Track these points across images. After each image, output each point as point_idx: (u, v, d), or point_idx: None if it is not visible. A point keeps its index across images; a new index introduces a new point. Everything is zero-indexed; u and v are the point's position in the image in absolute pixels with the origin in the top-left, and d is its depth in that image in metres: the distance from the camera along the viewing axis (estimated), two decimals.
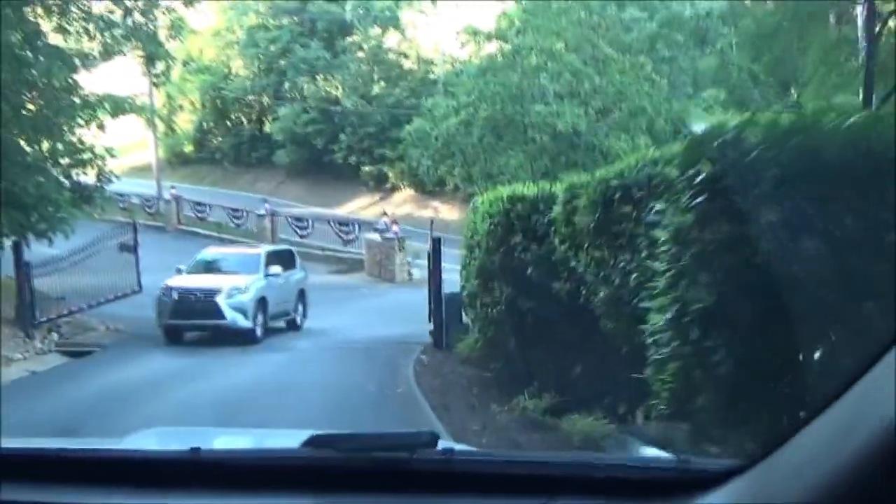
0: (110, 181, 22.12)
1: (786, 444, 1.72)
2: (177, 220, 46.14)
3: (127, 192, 51.16)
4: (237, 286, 21.87)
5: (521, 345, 11.11)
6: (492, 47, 28.65)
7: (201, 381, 15.95)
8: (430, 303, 20.65)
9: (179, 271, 23.22)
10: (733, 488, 1.88)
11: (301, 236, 40.77)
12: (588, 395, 8.55)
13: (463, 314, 18.54)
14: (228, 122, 62.59)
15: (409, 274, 35.79)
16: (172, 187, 48.99)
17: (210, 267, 23.50)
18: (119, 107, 22.23)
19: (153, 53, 20.99)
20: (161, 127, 62.61)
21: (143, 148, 59.73)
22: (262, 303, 22.19)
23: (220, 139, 63.10)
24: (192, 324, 21.64)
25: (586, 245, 8.37)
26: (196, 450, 2.37)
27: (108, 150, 21.58)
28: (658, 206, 5.80)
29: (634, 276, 7.18)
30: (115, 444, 2.92)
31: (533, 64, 26.87)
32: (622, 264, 7.51)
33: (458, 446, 2.57)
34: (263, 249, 25.31)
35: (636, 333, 7.38)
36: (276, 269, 23.20)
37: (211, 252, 25.34)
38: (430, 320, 20.47)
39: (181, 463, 2.39)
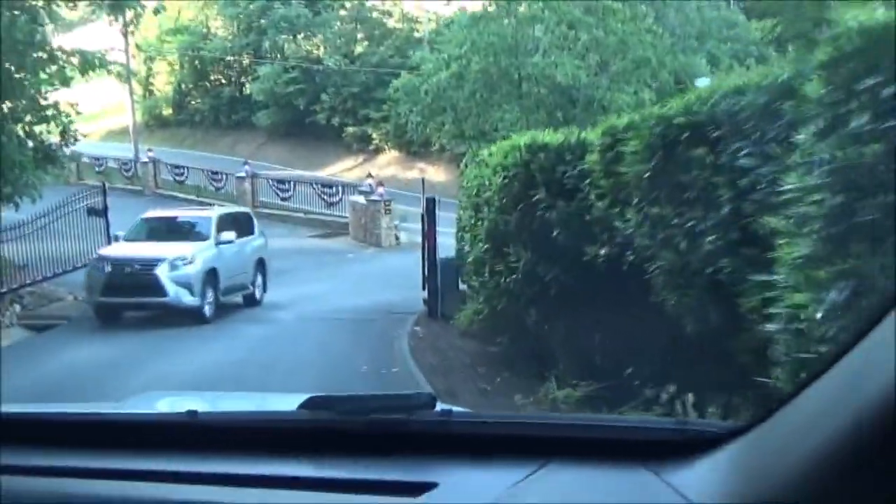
0: (75, 139, 20.35)
1: (786, 405, 1.70)
2: (154, 183, 44.31)
3: (104, 156, 49.85)
4: (182, 256, 18.84)
5: (541, 319, 9.45)
6: None
7: (162, 362, 14.17)
8: (423, 268, 19.01)
9: (117, 238, 20.55)
10: (733, 449, 1.83)
11: (283, 199, 39.00)
12: (638, 386, 6.90)
13: (459, 281, 17.01)
14: (207, 84, 60.59)
15: (396, 238, 34.14)
16: (149, 150, 47.16)
17: (153, 233, 20.25)
18: (89, 63, 20.50)
19: None
20: (139, 89, 60.90)
21: (121, 112, 57.95)
22: (211, 275, 19.16)
23: (199, 101, 61.17)
24: (127, 302, 18.49)
25: (637, 200, 6.69)
26: (193, 413, 2.37)
27: (73, 106, 19.81)
28: (801, 135, 4.12)
29: (712, 237, 5.57)
30: (114, 407, 2.94)
31: (529, 12, 25.22)
32: (692, 223, 5.86)
33: (457, 409, 2.46)
34: (215, 212, 21.85)
35: (713, 311, 5.77)
36: (228, 235, 20.09)
37: (154, 215, 22.08)
38: (423, 287, 18.87)
39: (179, 426, 2.41)
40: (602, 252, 7.55)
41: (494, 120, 24.99)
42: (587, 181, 7.89)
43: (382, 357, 13.78)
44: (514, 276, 9.59)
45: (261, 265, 21.90)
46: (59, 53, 20.10)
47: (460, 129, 26.17)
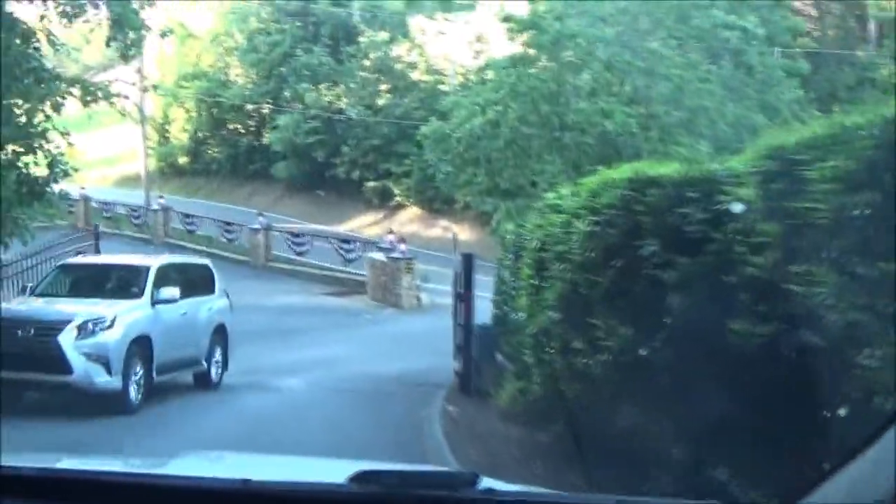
0: (65, 174, 18.05)
1: (825, 482, 1.86)
2: (163, 232, 42.06)
3: (113, 201, 47.81)
4: (97, 317, 13.77)
5: (639, 417, 6.91)
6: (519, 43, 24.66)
7: None
8: (455, 335, 16.50)
9: (25, 290, 16.20)
10: None
11: (298, 253, 36.67)
12: None
13: (496, 353, 14.57)
14: (225, 132, 58.48)
15: (418, 299, 31.73)
16: (160, 197, 45.04)
17: (75, 286, 15.67)
18: (90, 92, 18.36)
19: (121, 16, 17.07)
20: (154, 136, 59.06)
21: (135, 158, 56.01)
22: (141, 345, 14.15)
23: (215, 150, 59.18)
24: (19, 379, 13.03)
25: (836, 253, 4.25)
26: (247, 481, 2.41)
27: (64, 136, 17.57)
28: None
29: None
30: (158, 466, 2.96)
31: (574, 55, 23.03)
32: None
33: (501, 485, 2.48)
34: (157, 261, 16.39)
35: None
36: (170, 291, 14.95)
37: (76, 262, 17.70)
38: (455, 357, 16.38)
39: (232, 493, 2.42)
40: (759, 331, 5.05)
41: (533, 172, 22.70)
42: (730, 227, 5.39)
43: (411, 445, 11.18)
44: (600, 357, 7.03)
45: (220, 334, 16.91)
46: (56, 81, 18.04)
47: (493, 181, 23.90)
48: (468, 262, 15.89)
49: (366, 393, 15.60)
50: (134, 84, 23.26)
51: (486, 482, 2.29)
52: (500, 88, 23.80)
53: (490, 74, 26.65)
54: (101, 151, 63.02)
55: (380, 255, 32.72)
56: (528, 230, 11.68)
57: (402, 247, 32.18)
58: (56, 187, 17.78)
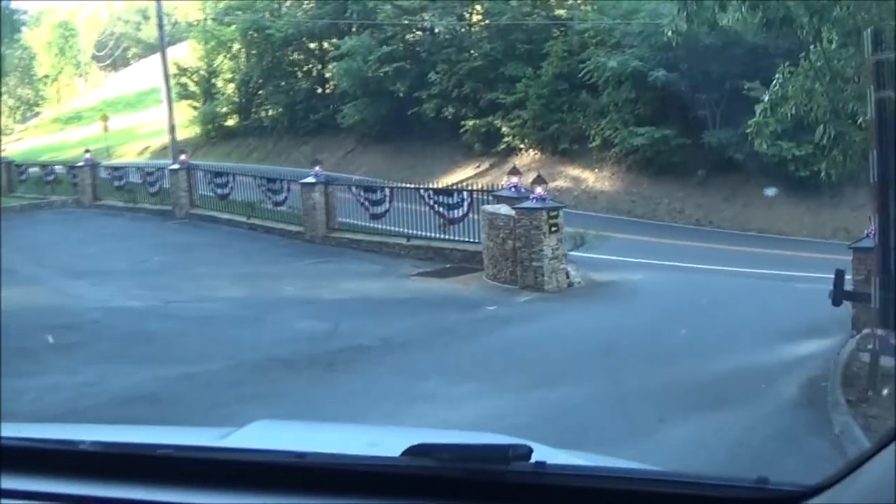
0: None
1: (865, 463, 1.83)
2: (189, 200, 29.86)
3: (125, 165, 36.46)
4: None
5: None
6: None
7: None
8: None
9: None
10: None
11: (374, 215, 23.90)
12: None
13: None
14: (279, 77, 46.30)
15: (568, 275, 19.21)
16: (182, 152, 32.86)
17: None
18: None
19: None
20: (197, 92, 47.56)
21: (182, 127, 44.55)
22: None
23: (269, 104, 47.21)
24: None
25: None
26: (302, 454, 2.46)
27: None
28: None
29: None
30: (221, 438, 2.87)
31: None
32: None
33: (553, 459, 2.41)
34: None
35: None
36: None
37: None
38: None
39: (286, 467, 2.45)
40: None
41: None
42: None
43: None
44: None
45: None
46: None
47: None
48: None
49: None
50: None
51: (539, 453, 2.28)
52: None
53: None
54: (153, 126, 53.40)
55: (502, 208, 20.04)
56: None
57: (539, 191, 19.37)
58: None
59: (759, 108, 14.41)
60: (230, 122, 49.61)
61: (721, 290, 19.23)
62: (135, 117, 68.29)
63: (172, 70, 42.98)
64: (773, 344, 13.10)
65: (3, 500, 2.25)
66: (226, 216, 28.26)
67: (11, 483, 2.32)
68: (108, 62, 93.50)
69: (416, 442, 2.36)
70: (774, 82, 14.07)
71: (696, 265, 22.99)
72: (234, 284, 18.88)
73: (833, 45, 12.87)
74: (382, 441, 3.01)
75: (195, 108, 50.92)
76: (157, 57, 41.22)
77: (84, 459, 2.43)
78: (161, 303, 16.90)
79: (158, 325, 14.80)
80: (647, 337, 13.82)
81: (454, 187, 25.62)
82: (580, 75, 33.12)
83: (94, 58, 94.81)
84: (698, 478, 2.37)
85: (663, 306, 17.08)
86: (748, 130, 15.00)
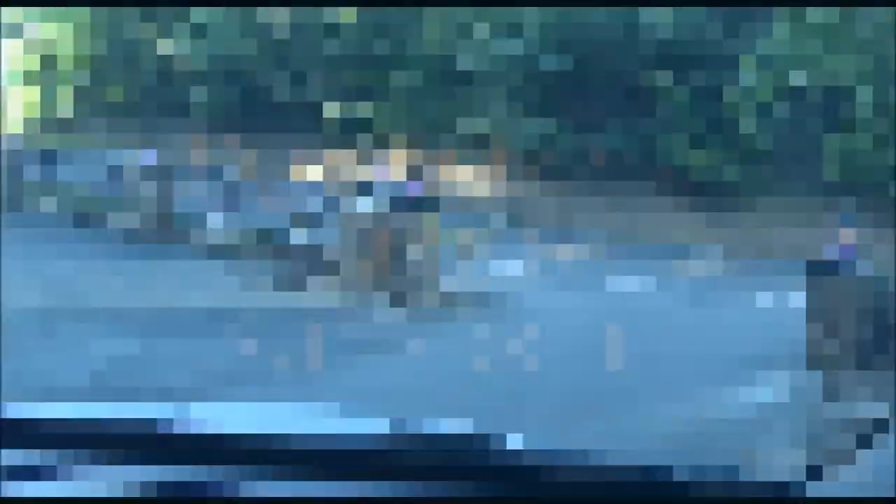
0: None
1: (856, 457, 2.40)
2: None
3: None
4: None
5: None
6: None
7: None
8: None
9: None
10: None
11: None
12: None
13: None
14: None
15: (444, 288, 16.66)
16: None
17: None
18: None
19: None
20: None
21: None
22: None
23: None
24: None
25: None
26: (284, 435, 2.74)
27: None
28: None
29: None
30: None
31: None
32: None
33: (530, 446, 2.60)
34: None
35: None
36: None
37: None
38: None
39: (268, 442, 2.76)
40: None
41: None
42: None
43: None
44: None
45: None
46: None
47: None
48: None
49: None
50: None
51: (513, 441, 2.42)
52: None
53: None
54: None
55: (364, 203, 16.98)
56: None
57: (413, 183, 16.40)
58: None
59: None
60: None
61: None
62: None
63: None
64: None
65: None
66: None
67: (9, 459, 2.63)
68: None
69: (388, 430, 2.56)
70: None
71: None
72: None
73: None
74: (364, 424, 3.20)
75: None
76: None
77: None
78: None
79: None
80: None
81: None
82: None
83: None
84: (695, 468, 2.59)
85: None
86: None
